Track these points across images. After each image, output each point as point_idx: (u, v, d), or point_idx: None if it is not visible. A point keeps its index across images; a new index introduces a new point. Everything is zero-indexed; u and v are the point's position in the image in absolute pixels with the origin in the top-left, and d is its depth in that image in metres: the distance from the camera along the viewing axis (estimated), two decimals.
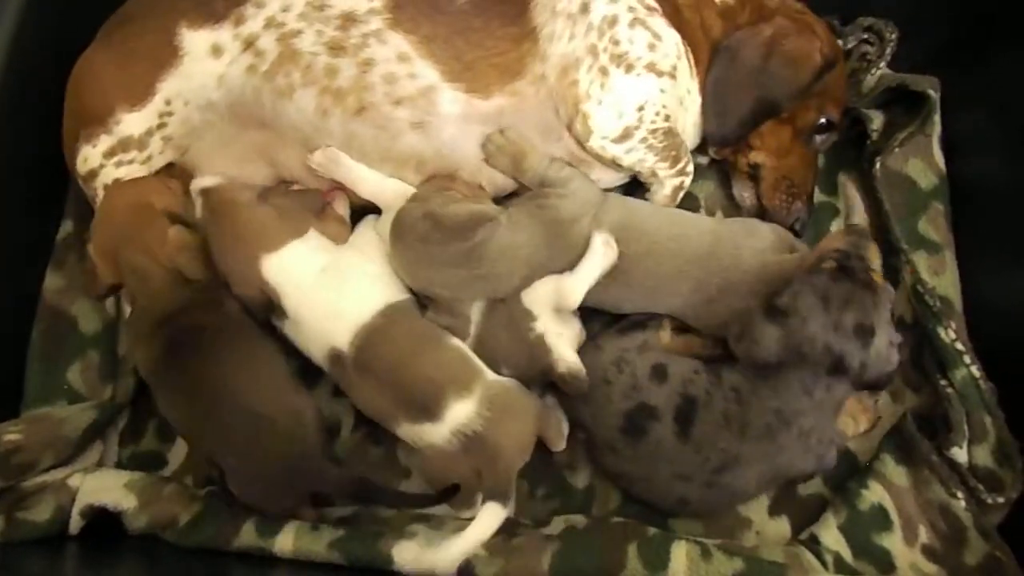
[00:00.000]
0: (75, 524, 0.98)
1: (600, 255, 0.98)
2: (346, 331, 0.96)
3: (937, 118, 1.16)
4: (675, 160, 1.07)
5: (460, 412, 0.92)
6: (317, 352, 0.99)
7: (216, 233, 1.02)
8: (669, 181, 1.09)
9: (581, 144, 1.05)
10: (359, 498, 0.98)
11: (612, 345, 1.00)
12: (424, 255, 0.98)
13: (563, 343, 0.99)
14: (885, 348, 0.91)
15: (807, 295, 0.92)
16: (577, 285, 0.98)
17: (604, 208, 1.03)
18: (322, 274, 0.99)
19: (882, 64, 1.20)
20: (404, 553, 0.90)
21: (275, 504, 0.95)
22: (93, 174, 1.05)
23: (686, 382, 0.96)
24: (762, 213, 1.14)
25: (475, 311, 1.00)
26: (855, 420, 1.01)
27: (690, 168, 1.10)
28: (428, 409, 0.92)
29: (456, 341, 0.99)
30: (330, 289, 0.99)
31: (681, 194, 1.11)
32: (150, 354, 1.00)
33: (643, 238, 1.01)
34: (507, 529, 0.98)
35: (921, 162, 1.14)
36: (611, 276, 1.00)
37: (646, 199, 1.11)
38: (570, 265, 0.99)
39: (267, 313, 1.01)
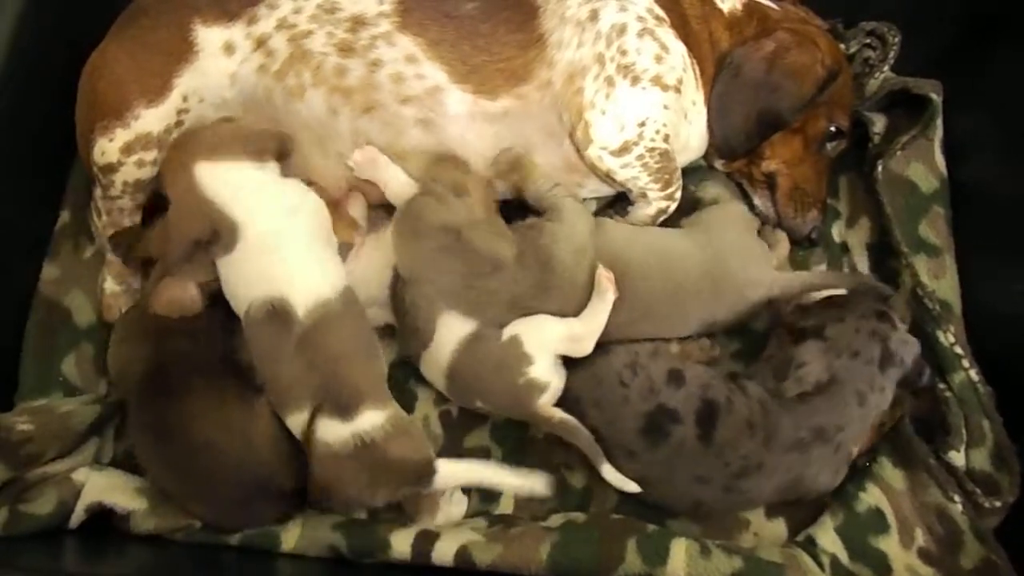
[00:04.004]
0: (76, 518, 0.97)
1: (609, 298, 0.97)
2: (305, 295, 0.94)
3: (939, 121, 1.16)
4: (666, 184, 1.07)
5: (369, 420, 0.92)
6: (254, 295, 0.94)
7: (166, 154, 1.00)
8: (656, 203, 1.09)
9: (579, 152, 1.05)
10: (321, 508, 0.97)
11: (623, 349, 1.00)
12: (430, 258, 0.98)
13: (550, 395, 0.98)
14: (906, 333, 0.96)
15: (824, 306, 0.97)
16: (590, 332, 0.97)
17: (597, 238, 1.03)
18: (292, 216, 0.96)
19: (885, 68, 1.20)
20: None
21: (249, 521, 0.96)
22: (111, 168, 1.04)
23: (704, 387, 0.97)
24: (778, 222, 1.15)
25: (452, 341, 0.99)
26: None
27: (678, 195, 1.11)
28: (345, 409, 0.92)
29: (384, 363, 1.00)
30: (298, 238, 0.96)
31: (663, 217, 1.11)
32: (127, 382, 1.01)
33: (632, 265, 1.01)
34: (505, 521, 0.99)
35: (923, 165, 1.14)
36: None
37: (626, 211, 1.12)
38: (555, 306, 0.99)
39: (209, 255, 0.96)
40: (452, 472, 0.95)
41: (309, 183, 1.07)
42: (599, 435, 0.98)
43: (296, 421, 0.94)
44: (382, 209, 1.09)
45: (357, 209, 1.09)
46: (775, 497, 0.98)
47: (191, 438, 0.94)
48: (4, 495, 0.96)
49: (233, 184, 0.96)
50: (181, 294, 0.97)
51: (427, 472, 0.93)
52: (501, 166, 1.05)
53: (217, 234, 0.95)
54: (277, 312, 0.93)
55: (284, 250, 0.95)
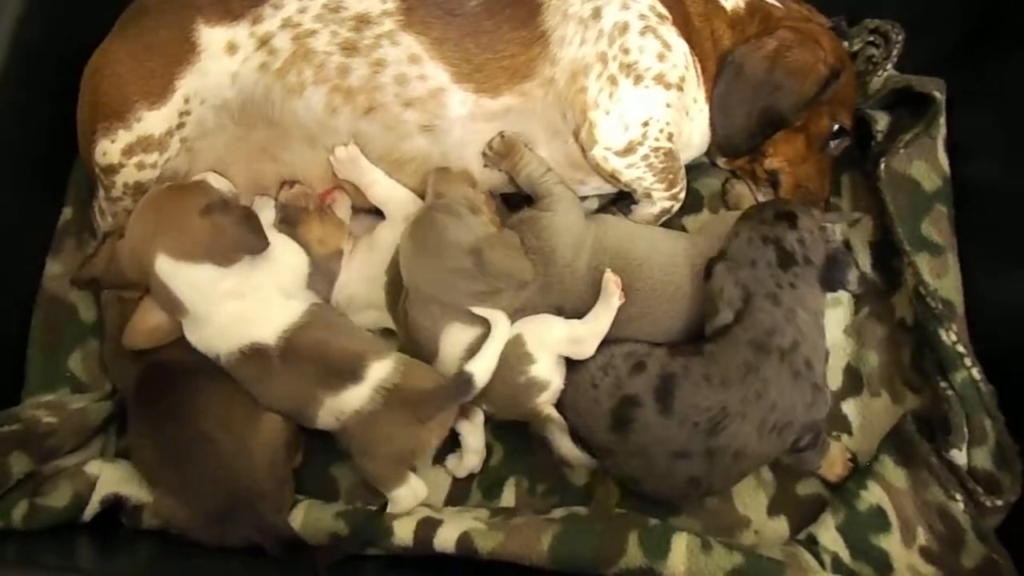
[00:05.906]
0: (91, 510, 0.97)
1: (615, 303, 0.97)
2: (272, 329, 0.96)
3: (942, 120, 1.15)
4: (671, 184, 1.08)
5: (380, 369, 0.95)
6: (225, 346, 0.97)
7: (139, 205, 1.00)
8: (661, 203, 1.09)
9: (584, 152, 1.05)
10: (288, 556, 0.92)
11: (600, 353, 0.98)
12: (446, 278, 0.98)
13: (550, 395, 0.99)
14: (814, 227, 0.97)
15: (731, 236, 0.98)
16: (593, 335, 0.97)
17: (599, 232, 1.03)
18: (232, 296, 0.96)
19: (888, 66, 1.20)
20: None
21: (220, 535, 0.93)
22: (112, 169, 1.04)
23: (663, 365, 0.96)
24: None
25: (457, 353, 0.99)
26: (833, 467, 1.02)
27: (682, 195, 1.11)
28: (352, 372, 0.95)
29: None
30: (247, 302, 0.97)
31: (666, 217, 1.12)
32: (125, 382, 1.02)
33: (634, 263, 1.01)
34: (507, 512, 1.00)
35: (925, 164, 1.14)
36: None
37: (630, 209, 1.12)
38: (556, 301, 0.99)
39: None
40: (484, 365, 0.95)
41: (293, 181, 1.08)
42: (577, 436, 0.98)
43: (324, 415, 0.96)
44: (370, 213, 1.11)
45: (342, 209, 1.10)
46: (764, 442, 0.93)
47: (189, 426, 0.94)
48: (22, 489, 0.97)
49: (188, 283, 0.95)
50: (151, 325, 0.99)
51: (464, 379, 0.94)
52: (494, 153, 1.05)
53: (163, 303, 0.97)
54: (249, 354, 0.96)
55: (243, 311, 0.96)
